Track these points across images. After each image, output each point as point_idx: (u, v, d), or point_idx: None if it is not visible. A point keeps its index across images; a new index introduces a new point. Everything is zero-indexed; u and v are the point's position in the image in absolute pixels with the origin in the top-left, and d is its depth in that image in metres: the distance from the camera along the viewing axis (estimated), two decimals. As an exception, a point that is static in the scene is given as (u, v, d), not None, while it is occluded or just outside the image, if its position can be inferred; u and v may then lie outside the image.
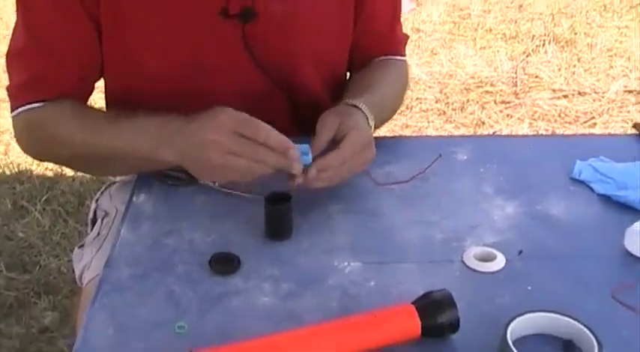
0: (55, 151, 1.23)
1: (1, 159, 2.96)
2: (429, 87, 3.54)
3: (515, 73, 3.65)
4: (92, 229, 1.41)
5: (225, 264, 1.02)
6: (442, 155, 1.27)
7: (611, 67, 3.70)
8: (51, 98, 1.21)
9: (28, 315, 2.23)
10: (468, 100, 3.42)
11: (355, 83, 1.36)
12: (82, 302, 1.30)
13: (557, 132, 3.17)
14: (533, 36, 4.04)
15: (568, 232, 1.11)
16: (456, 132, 3.19)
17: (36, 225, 2.60)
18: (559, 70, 3.67)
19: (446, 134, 3.14)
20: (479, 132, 3.19)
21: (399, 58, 1.42)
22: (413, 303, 0.90)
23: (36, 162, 2.75)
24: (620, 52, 3.85)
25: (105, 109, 1.31)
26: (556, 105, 3.37)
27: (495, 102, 3.41)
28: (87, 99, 1.28)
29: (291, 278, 1.01)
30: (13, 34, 1.22)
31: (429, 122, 3.27)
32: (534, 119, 3.28)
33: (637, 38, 3.96)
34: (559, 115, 3.31)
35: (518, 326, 0.88)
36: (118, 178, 1.42)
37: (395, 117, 1.45)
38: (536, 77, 3.61)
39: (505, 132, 3.18)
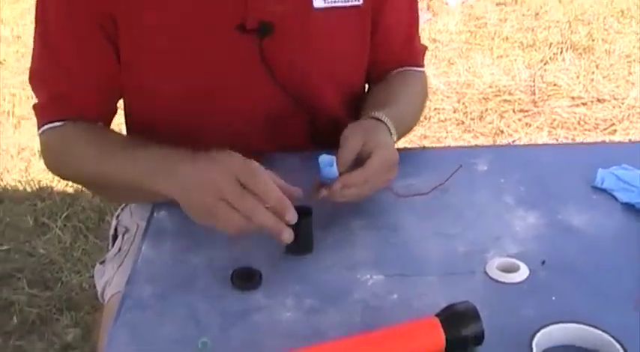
0: (72, 170, 1.24)
1: (22, 176, 2.98)
2: (447, 97, 3.54)
3: (533, 81, 3.63)
4: (113, 245, 1.42)
5: (246, 279, 1.02)
6: (462, 166, 1.27)
7: (630, 73, 3.68)
8: (71, 118, 1.22)
9: (50, 332, 2.24)
10: (486, 109, 3.41)
11: (375, 96, 1.35)
12: (104, 319, 1.30)
13: (577, 140, 3.15)
14: (551, 44, 4.03)
15: (591, 242, 1.10)
16: (475, 142, 3.18)
17: (57, 241, 2.62)
18: (577, 77, 3.66)
19: (465, 144, 3.13)
20: (498, 142, 3.17)
21: (417, 69, 1.42)
22: (437, 316, 0.89)
23: (56, 179, 2.77)
24: (639, 57, 3.82)
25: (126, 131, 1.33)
26: (575, 113, 3.36)
27: (514, 111, 3.40)
28: (111, 119, 1.29)
29: (314, 294, 1.00)
30: (33, 54, 1.24)
31: (447, 132, 3.26)
32: (553, 127, 3.27)
33: (655, 44, 3.95)
34: (578, 123, 3.29)
35: (544, 338, 0.87)
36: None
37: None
38: (555, 85, 3.60)
39: (524, 140, 3.17)
